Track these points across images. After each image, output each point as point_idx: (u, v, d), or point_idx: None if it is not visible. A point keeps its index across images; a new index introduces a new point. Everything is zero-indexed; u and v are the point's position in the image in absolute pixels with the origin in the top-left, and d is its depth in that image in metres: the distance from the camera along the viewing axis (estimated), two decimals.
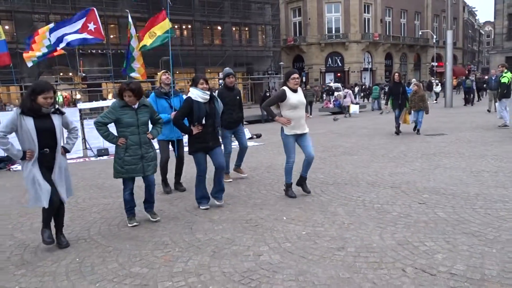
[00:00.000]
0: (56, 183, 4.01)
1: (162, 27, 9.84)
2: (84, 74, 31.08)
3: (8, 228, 4.86)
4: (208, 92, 4.94)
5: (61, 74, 33.05)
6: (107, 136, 4.54)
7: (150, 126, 4.77)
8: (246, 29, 41.31)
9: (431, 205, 4.70)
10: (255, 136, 12.66)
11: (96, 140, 10.93)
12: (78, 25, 10.12)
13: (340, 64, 45.18)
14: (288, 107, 5.18)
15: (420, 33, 48.93)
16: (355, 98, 25.78)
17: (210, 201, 5.16)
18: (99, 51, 31.50)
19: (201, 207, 5.09)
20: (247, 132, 12.90)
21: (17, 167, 9.62)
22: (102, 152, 10.85)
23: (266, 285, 3.02)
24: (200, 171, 5.06)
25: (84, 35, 10.10)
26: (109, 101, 17.59)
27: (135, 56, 13.91)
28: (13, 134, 3.89)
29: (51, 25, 10.13)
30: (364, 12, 45.19)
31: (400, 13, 49.65)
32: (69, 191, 4.22)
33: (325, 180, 6.28)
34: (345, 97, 20.26)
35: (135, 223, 4.60)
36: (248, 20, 39.75)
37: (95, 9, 10.49)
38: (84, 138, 11.15)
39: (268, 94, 20.87)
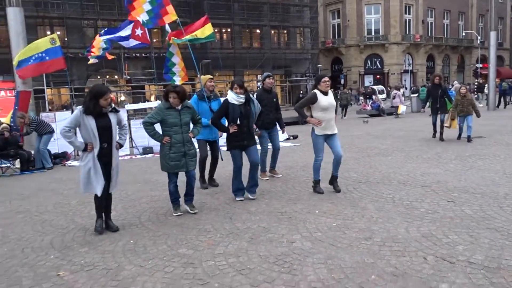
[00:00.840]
0: (113, 172, 4.56)
1: (203, 32, 10.37)
2: (128, 77, 32.51)
3: (69, 214, 5.47)
4: (243, 96, 5.38)
5: (107, 76, 34.71)
6: (153, 135, 5.00)
7: (191, 126, 5.26)
8: (285, 32, 41.64)
9: (459, 203, 4.88)
10: (291, 137, 12.98)
11: (142, 139, 11.66)
12: (128, 31, 10.89)
13: (379, 66, 44.60)
14: (319, 109, 5.47)
15: (464, 33, 47.40)
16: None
17: (244, 194, 5.63)
18: (143, 55, 32.80)
19: (236, 198, 5.60)
20: (284, 133, 13.28)
21: (71, 163, 10.48)
22: (147, 151, 11.54)
23: (297, 267, 3.38)
24: (236, 166, 5.51)
25: (132, 40, 10.79)
26: (154, 103, 18.47)
27: (175, 62, 14.59)
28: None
29: (102, 32, 10.89)
30: (405, 13, 44.39)
31: (443, 14, 48.36)
32: (115, 184, 4.72)
33: (357, 178, 6.54)
34: (394, 97, 20.35)
35: (179, 213, 5.08)
36: (286, 23, 40.07)
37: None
38: (130, 137, 11.89)
39: (301, 96, 21.27)
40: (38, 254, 4.03)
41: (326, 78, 5.56)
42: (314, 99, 5.50)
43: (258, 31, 39.87)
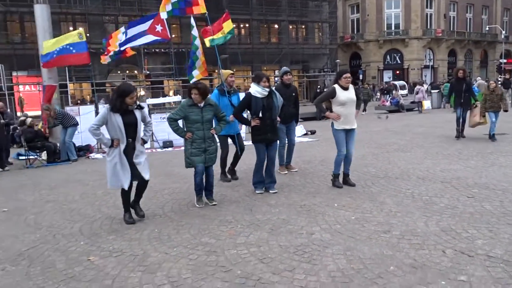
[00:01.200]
0: (139, 166, 4.69)
1: (225, 29, 10.50)
2: (148, 72, 32.97)
3: (96, 204, 5.69)
4: (268, 89, 5.46)
5: (127, 72, 35.24)
6: (177, 130, 5.22)
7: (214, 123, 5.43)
8: (303, 27, 41.46)
9: (479, 199, 4.89)
10: (309, 132, 13.02)
11: (162, 133, 11.88)
12: (146, 26, 11.07)
13: (399, 61, 44.04)
14: (337, 103, 5.58)
15: (488, 28, 46.35)
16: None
17: (264, 186, 5.74)
18: (162, 50, 33.16)
19: (256, 191, 5.69)
20: (302, 128, 13.34)
21: (94, 155, 10.77)
22: (167, 144, 11.76)
23: (317, 257, 3.48)
24: (259, 159, 5.62)
25: (150, 36, 10.94)
26: (173, 98, 18.71)
27: (198, 55, 14.79)
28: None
29: (122, 28, 11.11)
30: (426, 7, 43.66)
31: (466, 7, 47.36)
32: (147, 174, 4.84)
33: (376, 173, 6.58)
34: (417, 93, 20.43)
35: (202, 204, 5.23)
36: (305, 18, 39.89)
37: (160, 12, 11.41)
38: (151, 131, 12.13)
39: (318, 91, 21.35)
40: (69, 240, 4.23)
41: (347, 74, 5.61)
42: (332, 94, 5.59)
43: (276, 26, 39.80)
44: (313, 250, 3.62)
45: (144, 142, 4.90)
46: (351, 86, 5.69)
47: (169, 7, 8.89)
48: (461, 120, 9.92)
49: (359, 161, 7.55)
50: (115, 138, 4.56)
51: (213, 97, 6.08)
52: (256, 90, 5.47)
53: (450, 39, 45.30)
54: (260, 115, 5.43)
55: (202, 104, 5.14)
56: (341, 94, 5.54)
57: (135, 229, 4.48)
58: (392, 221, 4.27)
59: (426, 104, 20.58)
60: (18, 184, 7.37)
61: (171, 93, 34.67)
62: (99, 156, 10.63)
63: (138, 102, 4.79)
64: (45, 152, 10.01)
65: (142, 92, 34.53)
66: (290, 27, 39.93)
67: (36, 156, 9.93)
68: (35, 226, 4.81)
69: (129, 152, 4.63)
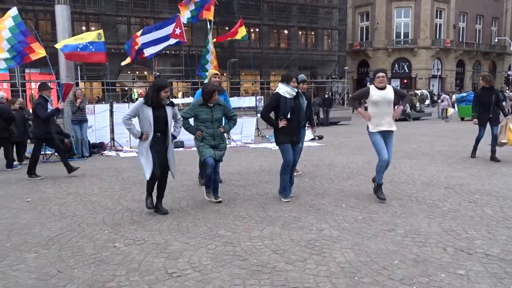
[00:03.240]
0: (170, 162, 5.06)
1: (239, 34, 10.85)
2: (158, 73, 33.42)
3: (115, 197, 5.99)
4: (296, 90, 5.39)
5: (137, 72, 35.72)
6: (187, 127, 5.51)
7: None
8: (312, 33, 41.86)
9: (481, 204, 5.14)
10: (317, 138, 13.29)
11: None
12: (170, 30, 11.47)
13: (407, 70, 44.22)
14: (370, 103, 5.38)
15: (497, 40, 46.45)
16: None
17: (291, 193, 5.61)
18: (173, 52, 33.60)
19: (283, 199, 5.48)
20: (310, 133, 13.60)
21: (107, 152, 11.10)
22: (178, 144, 12.03)
23: (327, 250, 3.76)
24: (286, 160, 5.43)
25: (172, 40, 11.33)
26: (182, 99, 19.08)
27: (209, 59, 15.22)
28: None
29: (141, 39, 11.45)
30: (436, 17, 43.86)
31: (475, 19, 47.53)
32: (175, 171, 5.24)
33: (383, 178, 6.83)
34: (442, 101, 21.83)
35: (211, 198, 5.49)
36: (314, 24, 40.31)
37: (179, 15, 11.82)
38: None
39: (327, 97, 21.95)
40: (94, 229, 4.53)
41: (380, 74, 5.35)
42: (366, 93, 5.43)
43: (286, 31, 40.22)
44: (323, 244, 3.90)
45: (174, 137, 5.18)
46: (389, 86, 5.42)
47: (188, 14, 9.25)
48: (485, 137, 8.46)
49: (366, 165, 7.82)
50: (144, 131, 4.85)
51: (196, 96, 6.26)
52: (286, 91, 5.31)
53: (459, 49, 45.46)
54: (289, 116, 5.31)
55: (212, 104, 5.45)
56: (374, 93, 5.32)
57: (155, 221, 4.78)
58: (397, 221, 4.54)
59: (450, 111, 21.68)
60: (38, 178, 7.69)
61: (179, 94, 35.13)
62: (112, 153, 10.97)
63: (170, 99, 5.13)
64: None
65: None
66: (300, 33, 40.34)
67: (52, 151, 10.27)
68: (60, 215, 5.11)
69: (159, 146, 4.92)
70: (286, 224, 4.55)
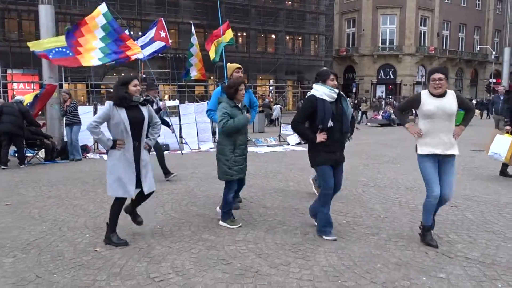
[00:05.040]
0: (142, 177, 4.06)
1: (225, 37, 10.84)
2: (144, 76, 33.18)
3: (97, 201, 5.90)
4: (337, 90, 4.08)
5: (123, 74, 35.41)
6: (236, 123, 4.43)
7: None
8: (300, 38, 42.13)
9: (462, 209, 5.22)
10: (303, 142, 13.33)
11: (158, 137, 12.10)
12: (152, 33, 11.43)
13: (392, 77, 44.84)
14: (422, 114, 3.99)
15: (479, 48, 47.47)
16: None
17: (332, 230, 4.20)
18: (160, 55, 33.39)
19: (325, 237, 4.11)
20: (296, 137, 13.68)
21: (91, 155, 10.95)
22: (163, 147, 11.97)
23: (311, 254, 3.76)
24: (327, 187, 4.08)
25: (158, 43, 11.26)
26: (171, 102, 19.00)
27: (192, 63, 15.19)
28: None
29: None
30: (421, 25, 44.63)
31: (458, 27, 48.50)
32: (152, 185, 4.18)
33: (366, 182, 6.89)
34: None
35: (239, 224, 4.59)
36: (302, 29, 40.58)
37: (162, 19, 11.80)
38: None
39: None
40: (75, 232, 4.45)
41: (437, 75, 3.86)
42: (415, 102, 4.04)
43: (273, 36, 40.38)
44: (307, 248, 3.90)
45: (149, 147, 4.25)
46: (450, 92, 3.96)
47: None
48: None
49: (351, 170, 7.87)
50: (118, 138, 3.94)
51: (214, 95, 5.35)
52: (323, 92, 4.03)
53: (442, 57, 46.29)
54: (331, 124, 3.98)
55: (240, 105, 4.57)
56: (427, 102, 3.91)
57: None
58: (380, 225, 4.57)
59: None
60: (19, 180, 7.54)
61: (166, 97, 34.94)
62: (96, 156, 10.83)
63: (144, 96, 4.34)
64: (43, 150, 10.17)
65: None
66: (287, 37, 40.56)
67: (33, 154, 10.09)
68: (40, 219, 5.01)
69: (135, 156, 3.99)
70: (271, 228, 4.54)
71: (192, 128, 12.47)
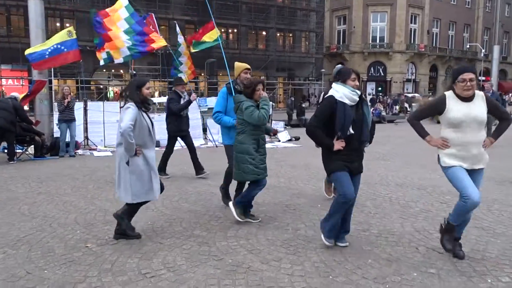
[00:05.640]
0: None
1: (210, 36, 10.74)
2: (134, 72, 32.92)
3: (88, 197, 5.86)
4: (359, 92, 3.63)
5: (113, 71, 35.12)
6: (263, 112, 4.34)
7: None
8: (290, 35, 42.12)
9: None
10: (293, 139, 13.39)
11: None
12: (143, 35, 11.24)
13: (382, 74, 45.04)
14: (447, 122, 3.45)
15: (468, 46, 47.91)
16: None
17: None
18: None
19: (325, 240, 3.83)
20: (287, 134, 13.71)
21: (81, 152, 10.85)
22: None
23: (302, 250, 3.78)
24: (344, 194, 3.61)
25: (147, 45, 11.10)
26: (158, 99, 18.94)
27: (182, 61, 15.07)
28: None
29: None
30: (411, 22, 44.84)
31: (448, 25, 48.84)
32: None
33: None
34: None
35: (245, 219, 4.57)
36: (293, 26, 40.57)
37: (153, 14, 11.64)
38: None
39: (301, 104, 20.96)
40: (65, 229, 4.42)
41: (467, 75, 3.31)
42: (439, 107, 3.46)
43: (264, 33, 40.32)
44: (298, 244, 3.92)
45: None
46: (478, 94, 3.42)
47: (125, 53, 8.98)
48: None
49: None
50: (138, 145, 3.86)
51: (220, 96, 5.16)
52: (343, 94, 3.56)
53: (432, 54, 46.63)
54: (351, 131, 3.55)
55: (258, 101, 4.44)
56: (454, 108, 3.37)
57: None
58: (371, 222, 4.61)
59: None
60: (8, 176, 7.44)
61: (156, 94, 34.73)
62: (86, 152, 10.75)
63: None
64: (32, 146, 10.05)
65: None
66: (278, 34, 40.52)
67: (22, 150, 9.97)
68: (30, 215, 4.96)
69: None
70: (262, 224, 4.55)
71: None
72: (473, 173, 3.47)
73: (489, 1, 51.21)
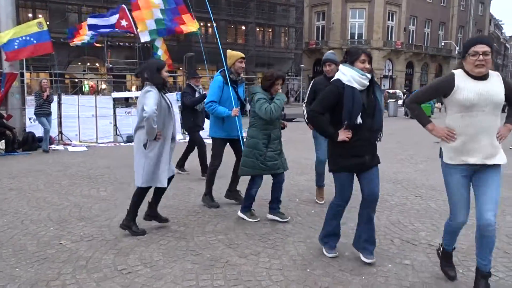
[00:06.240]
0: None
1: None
2: (111, 65, 32.32)
3: (62, 193, 5.72)
4: (369, 76, 3.22)
5: (88, 64, 34.37)
6: (275, 106, 4.18)
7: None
8: (270, 30, 42.12)
9: (426, 198, 5.40)
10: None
11: (126, 128, 11.87)
12: (113, 20, 11.01)
13: None
14: (455, 105, 2.80)
15: (443, 43, 48.98)
16: None
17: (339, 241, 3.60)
18: (127, 44, 32.64)
19: (326, 251, 3.50)
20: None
21: (55, 147, 10.58)
22: (131, 139, 11.72)
23: (280, 243, 3.80)
24: (342, 198, 3.46)
25: (117, 30, 10.93)
26: (137, 93, 18.62)
27: (160, 55, 14.87)
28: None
29: (88, 21, 10.98)
30: (388, 19, 45.50)
31: (424, 23, 49.76)
32: (173, 167, 4.32)
33: None
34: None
35: (258, 218, 4.47)
36: (272, 21, 40.56)
37: (124, 6, 11.39)
38: (115, 125, 12.07)
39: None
40: (38, 225, 4.30)
41: (480, 47, 2.67)
42: (445, 86, 2.83)
43: (243, 27, 40.18)
44: (276, 238, 3.94)
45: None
46: (493, 74, 2.80)
47: (151, 26, 8.63)
48: None
49: None
50: (158, 127, 3.84)
51: (215, 85, 4.87)
52: (352, 76, 3.16)
53: (409, 51, 47.46)
54: (359, 121, 3.17)
55: (274, 95, 4.26)
56: (466, 86, 2.74)
57: (105, 216, 4.62)
58: (347, 215, 4.62)
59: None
60: None
61: (133, 88, 34.18)
62: (60, 147, 10.49)
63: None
64: (3, 141, 9.74)
65: (104, 86, 33.84)
66: (257, 29, 40.45)
67: None
68: (1, 212, 4.81)
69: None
70: (240, 218, 4.54)
71: None
72: (486, 172, 2.78)
73: (463, 0, 52.38)
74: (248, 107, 4.92)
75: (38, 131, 10.75)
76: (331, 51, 5.28)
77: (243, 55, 4.97)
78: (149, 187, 4.07)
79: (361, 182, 3.39)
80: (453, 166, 2.84)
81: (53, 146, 10.60)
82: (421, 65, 50.29)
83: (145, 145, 3.87)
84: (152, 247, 3.72)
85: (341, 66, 3.27)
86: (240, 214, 4.52)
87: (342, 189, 3.41)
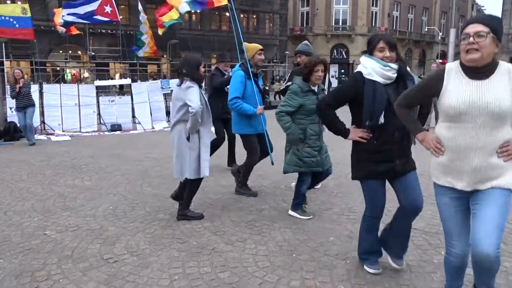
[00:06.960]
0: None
1: (171, 15, 10.44)
2: (93, 53, 31.71)
3: (46, 183, 5.65)
4: (396, 66, 2.72)
5: (70, 52, 33.68)
6: (289, 127, 3.85)
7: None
8: (254, 16, 41.81)
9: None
10: None
11: (110, 116, 11.72)
12: (94, 6, 10.80)
13: (345, 56, 45.69)
14: (443, 113, 2.22)
15: (426, 29, 49.31)
16: None
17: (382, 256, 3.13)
18: (109, 31, 32.04)
19: (368, 268, 3.04)
20: None
21: (37, 136, 10.37)
22: (115, 127, 11.60)
23: (266, 230, 3.83)
24: (372, 209, 3.03)
25: (99, 17, 10.73)
26: (122, 81, 18.37)
27: (145, 41, 14.70)
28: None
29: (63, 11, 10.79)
30: (372, 5, 45.53)
31: (408, 8, 49.95)
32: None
33: None
34: None
35: (311, 216, 4.17)
36: (256, 7, 40.24)
37: None
38: (99, 113, 11.90)
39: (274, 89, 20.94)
40: (22, 216, 4.25)
41: (471, 28, 2.09)
42: (432, 85, 2.26)
43: (227, 14, 39.73)
44: (263, 225, 3.97)
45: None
46: (503, 67, 2.11)
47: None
48: None
49: None
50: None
51: (237, 80, 4.69)
52: (372, 68, 2.70)
53: (393, 37, 47.69)
54: (382, 120, 2.69)
55: (316, 88, 3.93)
56: (453, 88, 2.15)
57: (90, 206, 4.58)
58: (333, 201, 4.72)
59: None
60: None
61: (117, 76, 33.65)
62: (43, 137, 10.32)
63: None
64: None
65: (86, 74, 33.26)
66: (242, 16, 40.07)
67: None
68: None
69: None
70: (226, 205, 4.57)
71: (145, 108, 12.12)
72: (483, 197, 2.13)
73: None
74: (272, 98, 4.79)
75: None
76: (305, 41, 5.23)
77: (261, 47, 4.84)
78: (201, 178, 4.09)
79: (396, 190, 2.93)
80: (442, 189, 2.30)
81: (36, 136, 10.40)
82: (405, 51, 50.57)
83: (188, 138, 3.95)
84: (138, 235, 3.72)
85: (362, 58, 2.80)
86: (291, 212, 4.24)
87: (372, 199, 2.96)
